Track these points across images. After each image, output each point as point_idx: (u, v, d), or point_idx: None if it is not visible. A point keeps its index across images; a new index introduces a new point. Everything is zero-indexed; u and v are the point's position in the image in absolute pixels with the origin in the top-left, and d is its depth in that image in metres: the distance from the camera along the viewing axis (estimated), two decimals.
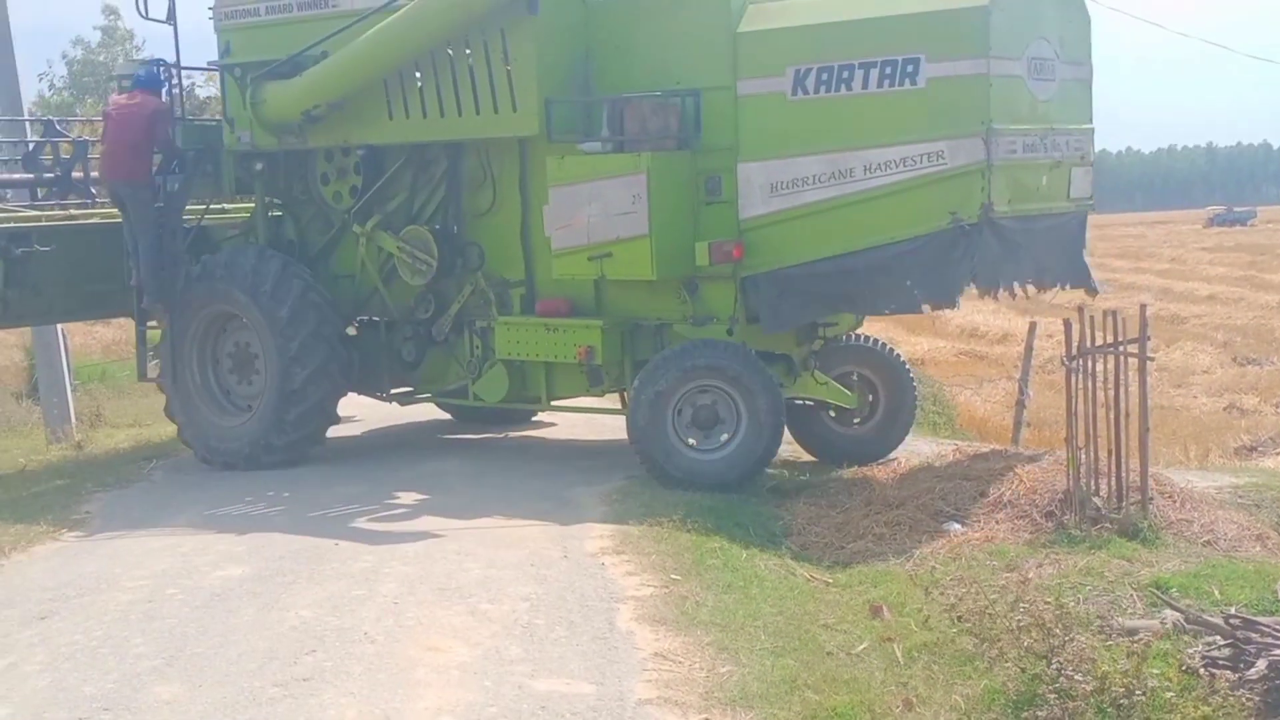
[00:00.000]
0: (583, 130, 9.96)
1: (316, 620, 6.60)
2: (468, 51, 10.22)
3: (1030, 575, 6.78)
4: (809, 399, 10.47)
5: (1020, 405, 12.62)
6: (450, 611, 6.75)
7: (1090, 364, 7.84)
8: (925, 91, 8.80)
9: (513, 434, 12.30)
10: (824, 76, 9.09)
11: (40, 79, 43.05)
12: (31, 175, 13.16)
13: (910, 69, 8.82)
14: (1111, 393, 7.74)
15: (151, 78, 11.48)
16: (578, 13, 10.12)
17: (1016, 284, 9.30)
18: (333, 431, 11.44)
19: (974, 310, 30.75)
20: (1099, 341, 7.82)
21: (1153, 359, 7.99)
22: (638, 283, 9.83)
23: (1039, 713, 5.00)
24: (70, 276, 11.80)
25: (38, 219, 12.26)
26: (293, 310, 10.80)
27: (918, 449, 10.89)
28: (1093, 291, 10.03)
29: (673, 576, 7.33)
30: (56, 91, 42.52)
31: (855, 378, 10.67)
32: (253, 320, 11.04)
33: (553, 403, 10.92)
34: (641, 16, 9.96)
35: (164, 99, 11.49)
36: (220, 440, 11.22)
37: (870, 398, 10.73)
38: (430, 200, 11.06)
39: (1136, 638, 5.51)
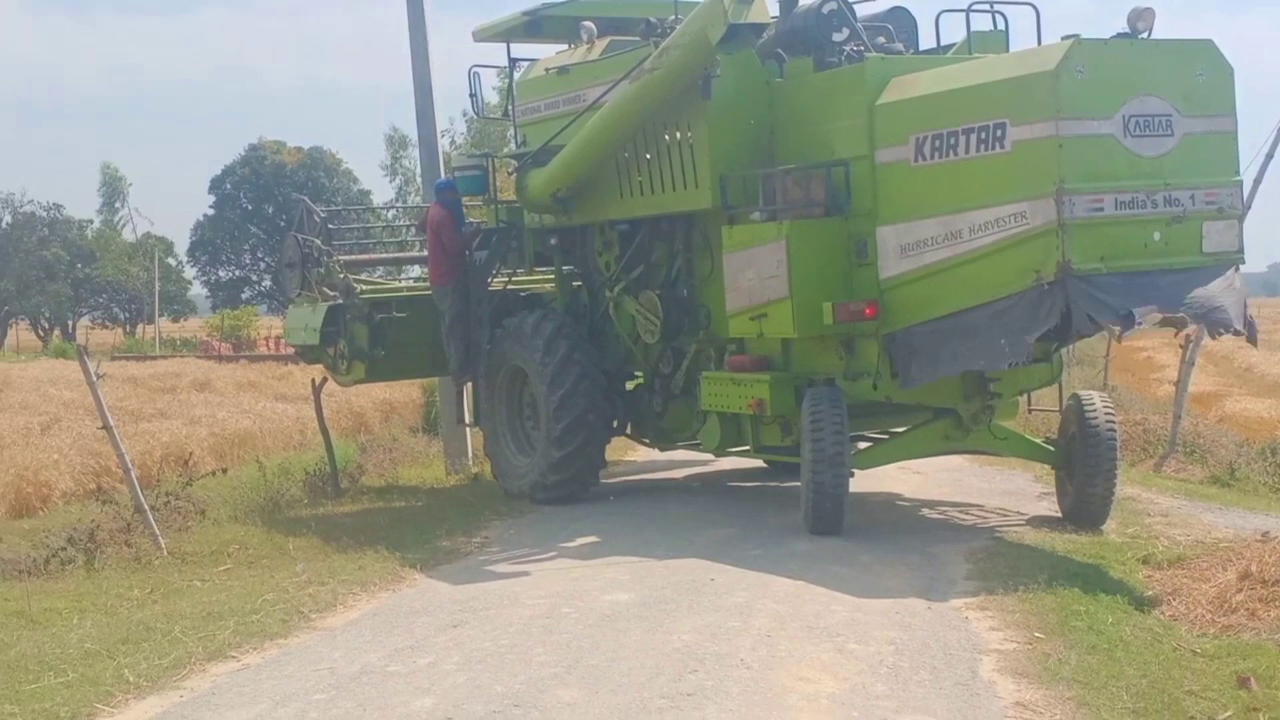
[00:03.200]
0: (755, 203, 10.70)
1: (697, 644, 7.18)
2: (666, 136, 11.26)
3: None
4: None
5: None
6: (819, 648, 7.19)
7: None
8: (1011, 155, 9.10)
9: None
10: (937, 143, 9.52)
11: (443, 135, 46.39)
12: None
13: (999, 133, 9.16)
14: None
15: (442, 187, 13.41)
16: (760, 93, 10.97)
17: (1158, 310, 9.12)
18: (713, 473, 12.16)
19: None
20: None
21: None
22: (811, 340, 10.45)
23: None
24: (424, 339, 13.55)
25: (398, 290, 14.29)
26: (558, 367, 12.08)
27: None
28: (1252, 339, 9.76)
29: (1036, 634, 7.51)
30: (457, 148, 45.78)
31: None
32: (533, 375, 12.36)
33: (760, 451, 11.63)
34: (809, 93, 10.70)
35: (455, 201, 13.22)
36: (515, 476, 12.72)
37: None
38: (668, 268, 12.16)
39: None
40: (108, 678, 7.03)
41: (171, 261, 73.74)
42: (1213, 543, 9.94)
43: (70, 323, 72.85)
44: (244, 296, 69.05)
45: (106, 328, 71.57)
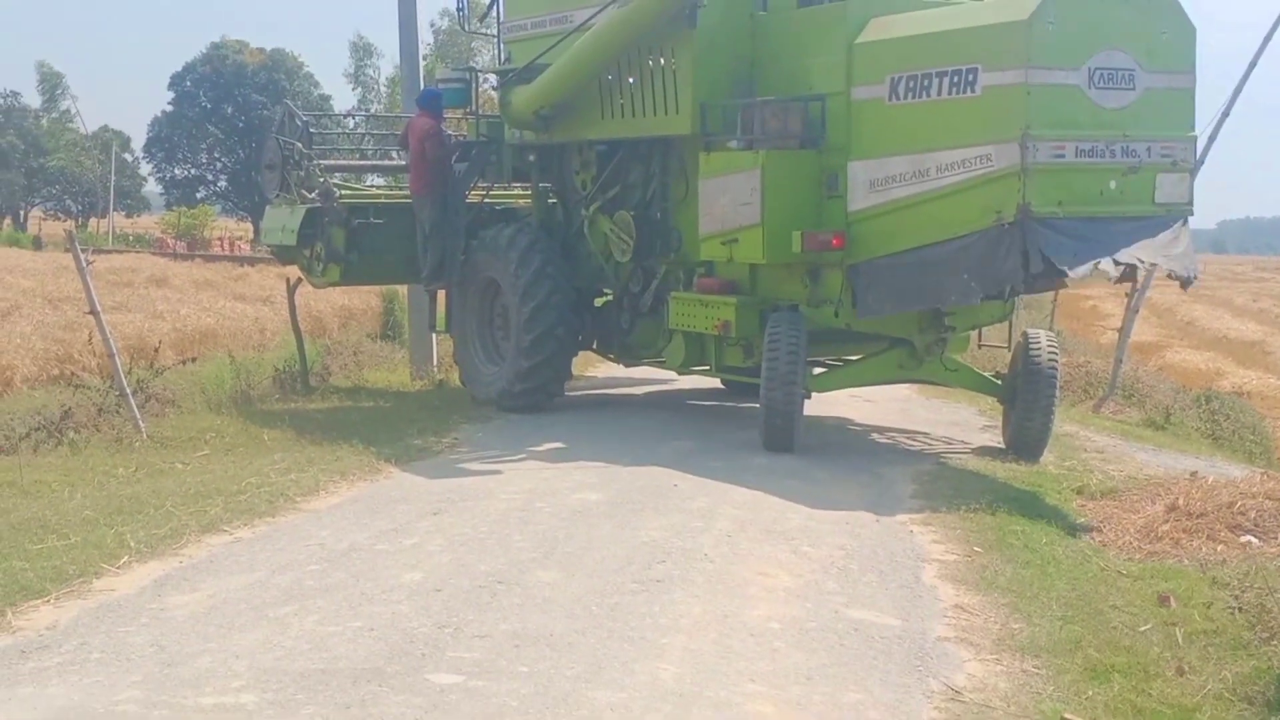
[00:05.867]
0: (733, 132, 11.09)
1: (664, 540, 7.71)
2: (650, 62, 11.61)
3: None
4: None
5: None
6: (776, 549, 7.74)
7: None
8: (981, 99, 9.52)
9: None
10: (911, 84, 9.94)
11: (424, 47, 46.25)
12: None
13: (971, 78, 9.57)
14: None
15: (428, 99, 13.61)
16: (743, 25, 11.38)
17: (1109, 260, 9.53)
18: (672, 391, 12.63)
19: None
20: None
21: None
22: (778, 266, 10.92)
23: None
24: (399, 246, 13.88)
25: (376, 196, 14.67)
26: (531, 280, 12.47)
27: (1227, 471, 11.20)
28: (1186, 283, 10.18)
29: (975, 548, 8.08)
30: (424, 59, 45.61)
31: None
32: (506, 287, 12.75)
33: (721, 371, 12.14)
34: (791, 28, 11.12)
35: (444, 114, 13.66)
36: (483, 384, 13.17)
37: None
38: (643, 190, 12.52)
39: None
40: (109, 542, 7.45)
41: (128, 157, 73.01)
42: (1144, 479, 10.52)
43: (22, 212, 72.07)
44: (199, 196, 68.51)
45: (59, 219, 70.88)
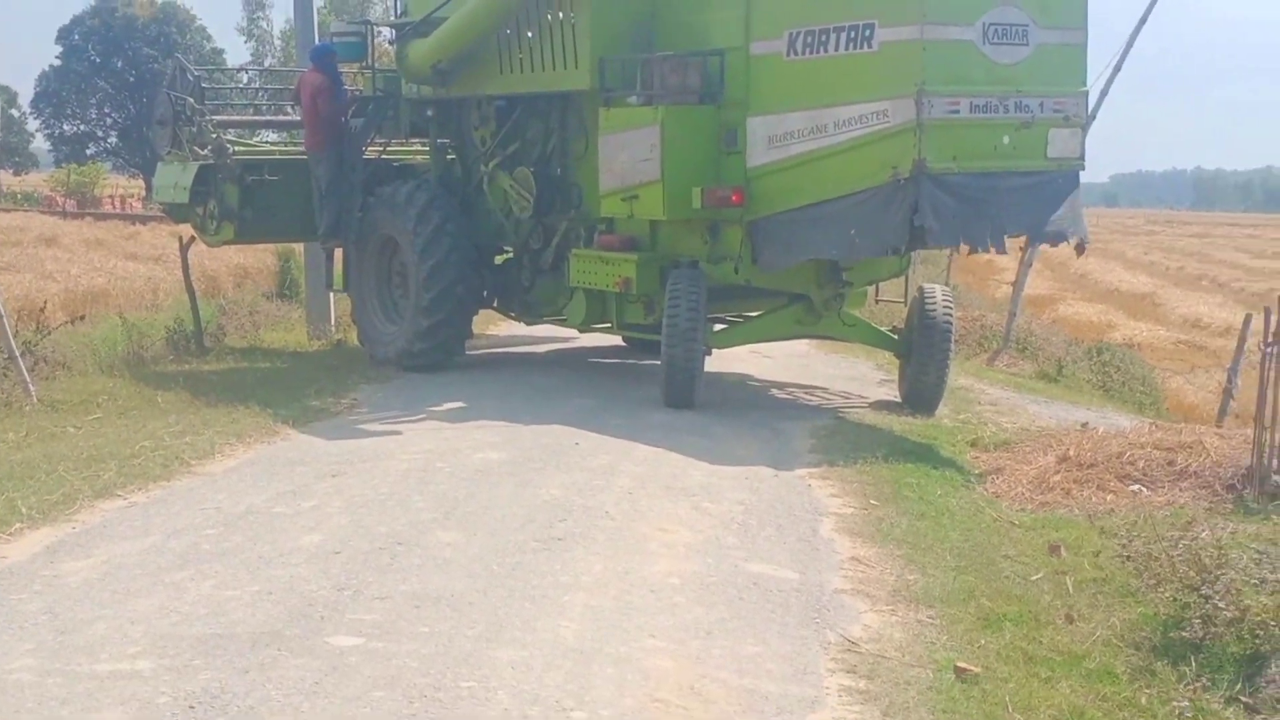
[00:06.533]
0: (632, 87, 11.07)
1: (565, 498, 7.73)
2: (548, 15, 11.52)
3: (1203, 532, 7.43)
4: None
5: (1227, 394, 13.01)
6: (676, 505, 7.80)
7: None
8: (877, 55, 9.59)
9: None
10: (809, 39, 9.97)
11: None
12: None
13: (868, 33, 9.62)
14: None
15: (320, 53, 13.41)
16: None
17: (988, 239, 9.78)
18: (574, 350, 12.60)
19: (1199, 301, 30.78)
20: None
21: None
22: (677, 223, 10.92)
23: (1183, 634, 5.75)
24: (294, 203, 13.69)
25: (270, 153, 14.25)
26: (430, 238, 12.35)
27: (1117, 422, 11.47)
28: (1080, 247, 10.44)
29: (871, 501, 8.21)
30: (317, 11, 44.85)
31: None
32: (404, 244, 12.62)
33: (623, 329, 12.17)
34: None
35: (334, 70, 13.29)
36: (381, 344, 12.99)
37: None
38: (543, 146, 12.44)
39: None
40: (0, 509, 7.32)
41: (14, 113, 70.96)
42: (1036, 430, 10.76)
43: None
44: (89, 152, 66.83)
45: None
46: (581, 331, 12.73)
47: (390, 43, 14.10)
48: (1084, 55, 10.17)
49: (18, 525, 7.06)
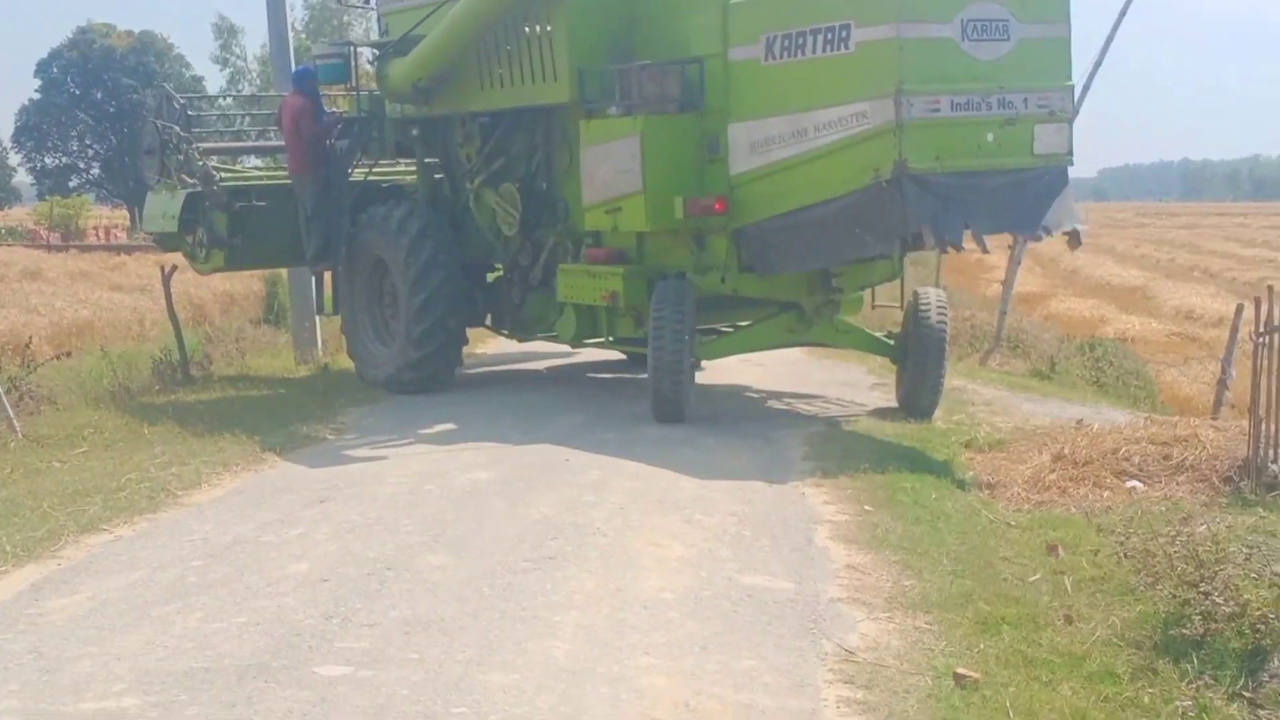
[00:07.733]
0: (613, 98, 10.97)
1: (556, 516, 7.65)
2: (526, 29, 11.43)
3: (1200, 526, 7.35)
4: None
5: (1222, 384, 12.93)
6: (668, 519, 7.71)
7: (1277, 340, 8.29)
8: (855, 56, 9.45)
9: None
10: (786, 43, 9.84)
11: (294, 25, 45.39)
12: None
13: (844, 34, 9.48)
14: None
15: (301, 76, 13.29)
16: None
17: (976, 237, 9.65)
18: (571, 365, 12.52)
19: (1191, 292, 30.77)
20: None
21: None
22: (663, 234, 10.81)
23: (1184, 631, 5.67)
24: (282, 228, 13.53)
25: (258, 179, 14.25)
26: (421, 270, 12.21)
27: (1112, 418, 11.39)
28: (1075, 241, 10.27)
29: (866, 508, 8.13)
30: (295, 35, 44.85)
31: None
32: (395, 272, 12.51)
33: (615, 342, 12.05)
34: None
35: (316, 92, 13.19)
36: (373, 364, 12.90)
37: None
38: (528, 161, 12.32)
39: None
40: None
41: None
42: (1031, 429, 10.68)
43: None
44: (71, 185, 66.80)
45: None
46: (574, 347, 12.62)
47: (371, 63, 14.01)
48: (1068, 49, 10.02)
49: (1, 564, 6.96)
